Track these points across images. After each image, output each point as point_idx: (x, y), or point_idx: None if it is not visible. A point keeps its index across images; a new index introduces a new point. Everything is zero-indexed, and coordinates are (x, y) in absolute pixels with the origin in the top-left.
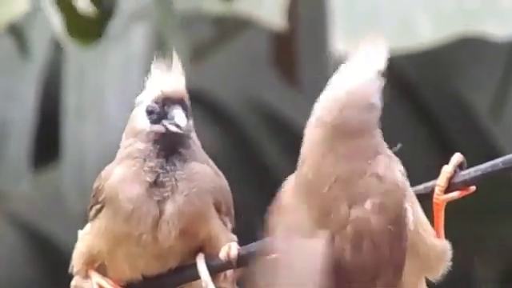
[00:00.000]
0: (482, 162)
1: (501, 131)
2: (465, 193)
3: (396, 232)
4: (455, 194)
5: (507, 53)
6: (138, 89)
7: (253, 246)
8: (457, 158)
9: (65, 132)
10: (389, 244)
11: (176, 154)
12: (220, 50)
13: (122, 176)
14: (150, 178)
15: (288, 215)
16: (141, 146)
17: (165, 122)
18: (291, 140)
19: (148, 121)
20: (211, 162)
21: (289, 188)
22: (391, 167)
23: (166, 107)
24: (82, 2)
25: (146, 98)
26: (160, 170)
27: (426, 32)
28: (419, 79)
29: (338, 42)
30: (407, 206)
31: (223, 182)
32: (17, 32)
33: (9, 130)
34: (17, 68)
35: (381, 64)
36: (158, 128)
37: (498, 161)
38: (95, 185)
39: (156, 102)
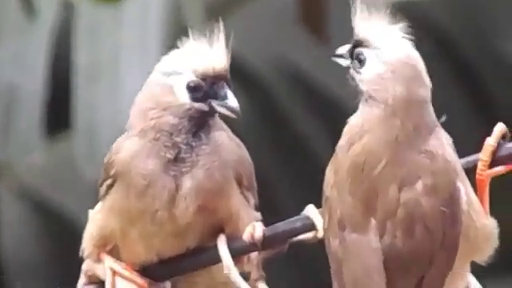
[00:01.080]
0: None
1: None
2: (509, 168)
3: (449, 214)
4: (500, 169)
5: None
6: (156, 49)
7: (280, 227)
8: (500, 128)
9: (76, 97)
10: (442, 227)
11: (204, 128)
12: (243, 8)
13: (137, 149)
14: (170, 155)
15: (334, 207)
16: (173, 120)
17: (213, 102)
18: (320, 102)
19: (188, 96)
20: (230, 133)
21: (329, 176)
22: (443, 143)
23: (214, 86)
24: None
25: (184, 69)
26: (183, 146)
27: None
28: (459, 34)
29: None
30: (460, 185)
31: (245, 153)
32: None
33: (18, 96)
34: (24, 29)
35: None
36: (201, 106)
37: None
38: (106, 159)
39: (202, 79)
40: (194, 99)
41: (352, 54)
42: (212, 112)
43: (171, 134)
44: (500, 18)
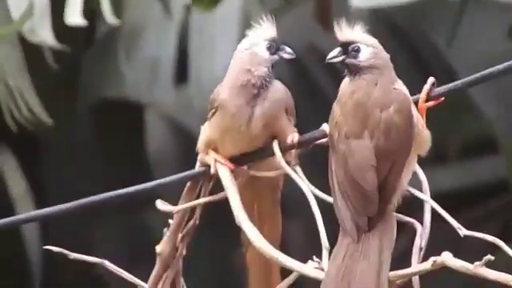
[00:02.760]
0: (444, 82)
1: (456, 60)
2: (437, 102)
3: (409, 125)
4: (432, 103)
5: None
6: (234, 37)
7: (307, 135)
8: (431, 79)
9: (191, 64)
10: (405, 133)
11: (271, 78)
12: (288, 11)
13: (231, 92)
14: (256, 91)
15: (342, 126)
16: (264, 69)
17: (280, 52)
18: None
19: (268, 52)
20: (280, 82)
21: (336, 110)
22: (403, 86)
23: (278, 45)
24: None
25: (260, 40)
26: (265, 86)
27: None
28: (407, 25)
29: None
30: (412, 109)
31: (289, 94)
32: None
33: (159, 63)
34: (163, 24)
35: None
36: (276, 57)
37: (459, 82)
38: (211, 97)
39: (272, 41)
40: (271, 54)
41: (345, 51)
42: (282, 60)
43: (263, 78)
44: (435, 20)
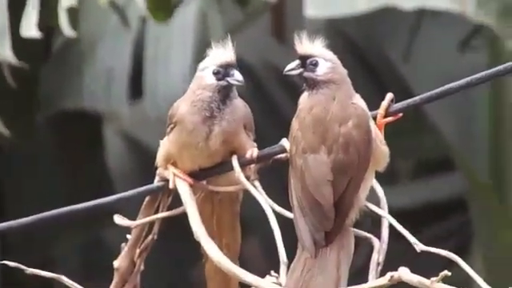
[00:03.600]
0: (398, 96)
1: (411, 76)
2: (396, 118)
3: (367, 140)
4: (391, 119)
5: (413, 18)
6: (191, 49)
7: (266, 150)
8: (389, 96)
9: (145, 78)
10: (363, 148)
11: (228, 98)
12: (245, 25)
13: (188, 109)
14: (208, 113)
15: (299, 141)
16: (208, 94)
17: (228, 78)
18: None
19: (214, 78)
20: (241, 99)
21: (295, 125)
22: (361, 100)
23: (227, 70)
24: None
25: (210, 64)
26: (216, 109)
27: (362, 4)
28: (362, 39)
29: (309, 9)
30: (371, 124)
31: (249, 110)
32: (120, 11)
33: (113, 75)
34: (119, 35)
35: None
36: (223, 83)
37: (417, 98)
38: (170, 112)
39: (220, 67)
40: (218, 79)
41: (304, 65)
42: (229, 85)
43: (208, 103)
44: (387, 33)
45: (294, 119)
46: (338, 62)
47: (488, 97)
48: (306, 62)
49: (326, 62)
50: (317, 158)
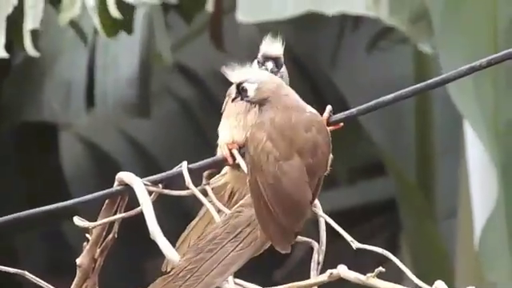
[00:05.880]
0: (334, 103)
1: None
2: (337, 127)
3: (328, 143)
4: (331, 128)
5: (337, 23)
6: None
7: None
8: (329, 108)
9: (96, 86)
10: (327, 150)
11: None
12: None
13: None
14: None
15: (270, 151)
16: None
17: (263, 67)
18: None
19: (257, 66)
20: None
21: (260, 136)
22: (309, 107)
23: (265, 60)
24: (112, 8)
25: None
26: None
27: (290, 9)
28: (294, 43)
29: (241, 16)
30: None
31: None
32: (78, 28)
33: (72, 86)
34: (76, 48)
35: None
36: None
37: (354, 109)
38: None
39: (262, 57)
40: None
41: (239, 91)
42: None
43: None
44: (319, 37)
45: (253, 131)
46: (267, 78)
47: (414, 107)
48: (239, 89)
49: (252, 84)
50: (292, 164)
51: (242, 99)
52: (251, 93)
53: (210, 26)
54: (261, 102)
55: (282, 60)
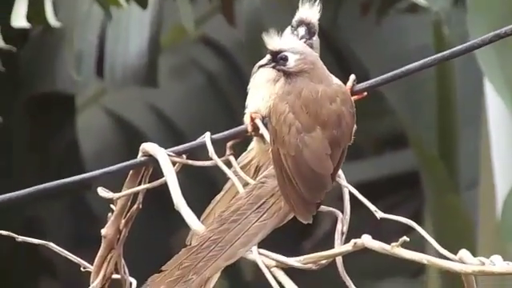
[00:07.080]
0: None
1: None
2: (360, 96)
3: (352, 114)
4: (355, 97)
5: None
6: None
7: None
8: (353, 77)
9: (107, 55)
10: (351, 121)
11: None
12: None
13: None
14: None
15: (293, 122)
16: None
17: (295, 33)
18: None
19: (290, 32)
20: None
21: (282, 108)
22: (336, 79)
23: (298, 26)
24: None
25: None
26: None
27: None
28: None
29: None
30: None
31: None
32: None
33: (83, 54)
34: (89, 20)
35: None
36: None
37: (379, 77)
38: None
39: (296, 22)
40: (291, 33)
41: (275, 59)
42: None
43: None
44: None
45: (276, 102)
46: (308, 51)
47: (436, 78)
48: (277, 57)
49: (295, 54)
50: (313, 136)
51: (274, 67)
52: (291, 62)
53: (222, 2)
54: (297, 73)
55: (316, 28)
